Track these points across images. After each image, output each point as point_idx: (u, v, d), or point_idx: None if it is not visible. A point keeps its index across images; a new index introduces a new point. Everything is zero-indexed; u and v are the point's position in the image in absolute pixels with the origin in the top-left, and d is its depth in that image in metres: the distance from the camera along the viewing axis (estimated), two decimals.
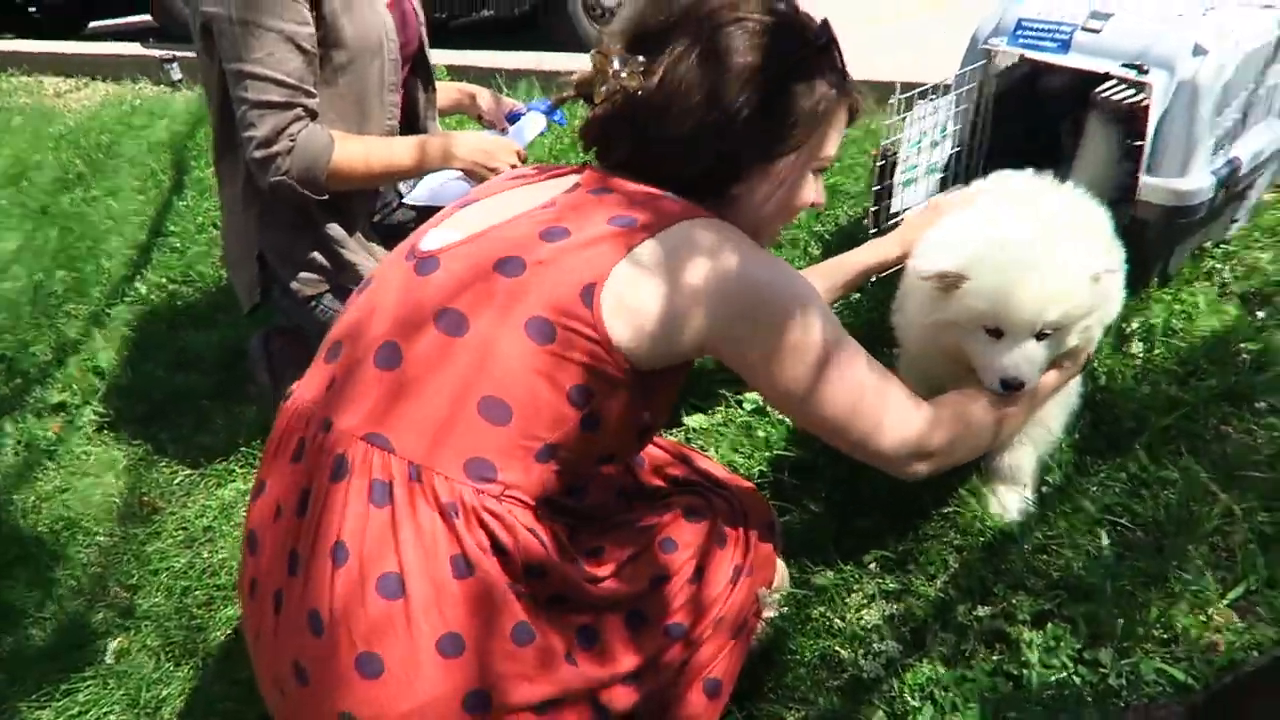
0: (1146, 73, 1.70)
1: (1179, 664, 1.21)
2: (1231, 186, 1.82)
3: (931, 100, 1.85)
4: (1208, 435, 1.55)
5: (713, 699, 1.21)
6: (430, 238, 1.15)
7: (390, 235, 1.99)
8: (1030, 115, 2.23)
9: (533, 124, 2.07)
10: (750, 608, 1.27)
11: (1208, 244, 2.04)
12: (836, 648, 1.31)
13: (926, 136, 1.83)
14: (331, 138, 1.68)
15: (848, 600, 1.39)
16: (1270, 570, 1.30)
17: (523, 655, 1.01)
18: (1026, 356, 1.25)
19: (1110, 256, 1.36)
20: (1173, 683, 1.19)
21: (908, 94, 1.82)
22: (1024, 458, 1.50)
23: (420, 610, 0.97)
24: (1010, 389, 1.25)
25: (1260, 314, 1.84)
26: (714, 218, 1.10)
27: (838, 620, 1.36)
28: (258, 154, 1.64)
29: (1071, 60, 1.79)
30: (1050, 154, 1.96)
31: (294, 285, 1.81)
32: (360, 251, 1.85)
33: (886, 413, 1.14)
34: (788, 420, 1.73)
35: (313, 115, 1.68)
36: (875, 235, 1.90)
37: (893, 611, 1.36)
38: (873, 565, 1.45)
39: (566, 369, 1.02)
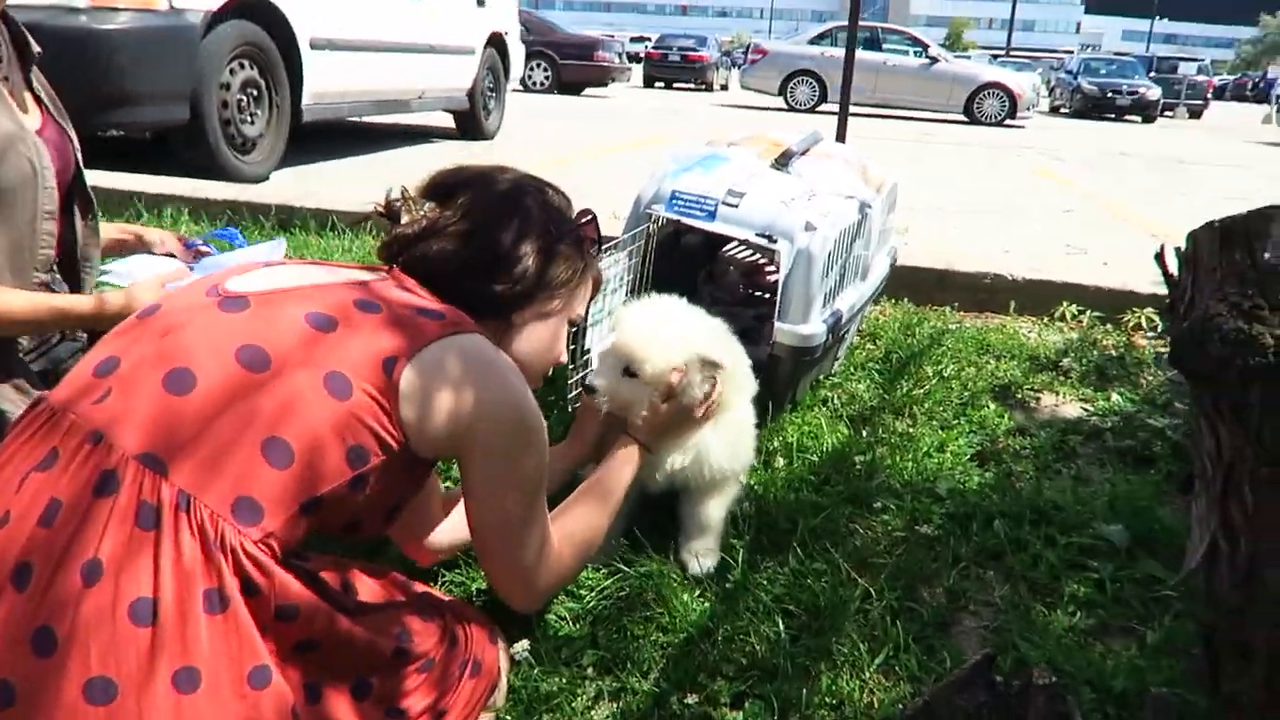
0: (775, 241, 2.11)
1: None
2: (836, 332, 2.28)
3: (612, 254, 2.12)
4: (843, 531, 1.90)
5: None
6: (238, 281, 1.18)
7: (51, 370, 1.83)
8: (675, 267, 2.61)
9: (269, 252, 2.04)
10: (473, 709, 1.36)
11: (821, 377, 2.50)
12: None
13: (609, 285, 2.09)
14: None
15: (574, 704, 1.48)
16: (902, 638, 1.61)
17: (255, 699, 1.01)
18: (607, 376, 1.65)
19: (700, 346, 1.68)
20: None
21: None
22: (713, 509, 1.80)
23: (166, 639, 0.95)
24: (587, 390, 1.66)
25: (864, 432, 2.29)
26: (496, 345, 1.26)
27: None
28: None
29: (717, 227, 2.16)
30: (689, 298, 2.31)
31: None
32: (16, 400, 1.67)
33: (532, 571, 1.33)
34: None
35: None
36: (572, 370, 2.10)
37: (616, 709, 1.48)
38: (590, 670, 1.57)
39: (353, 428, 1.08)
